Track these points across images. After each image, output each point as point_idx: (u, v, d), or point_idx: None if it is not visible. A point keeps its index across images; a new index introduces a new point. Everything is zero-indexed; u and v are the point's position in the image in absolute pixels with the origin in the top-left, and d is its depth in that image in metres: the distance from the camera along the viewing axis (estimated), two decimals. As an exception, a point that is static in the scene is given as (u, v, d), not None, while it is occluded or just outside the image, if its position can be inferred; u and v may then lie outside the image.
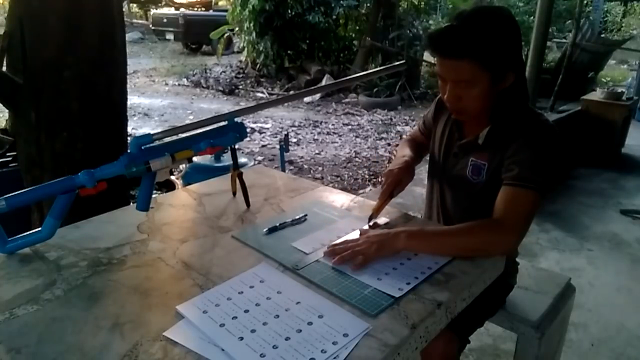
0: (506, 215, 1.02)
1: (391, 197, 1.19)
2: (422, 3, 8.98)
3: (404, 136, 1.49)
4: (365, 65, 7.73)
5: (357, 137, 5.34)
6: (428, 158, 1.39)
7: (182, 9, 12.45)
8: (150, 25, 12.84)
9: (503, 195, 1.05)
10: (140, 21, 16.50)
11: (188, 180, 2.74)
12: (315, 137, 5.28)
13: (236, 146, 1.24)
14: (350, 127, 5.76)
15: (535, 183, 1.03)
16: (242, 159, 3.03)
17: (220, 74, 8.57)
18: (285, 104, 6.54)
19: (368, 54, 7.91)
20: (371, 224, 1.12)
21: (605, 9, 10.92)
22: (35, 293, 0.87)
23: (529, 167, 1.04)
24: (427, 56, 8.36)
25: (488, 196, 1.14)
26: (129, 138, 1.97)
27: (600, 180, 3.93)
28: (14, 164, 2.24)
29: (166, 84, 8.16)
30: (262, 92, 7.58)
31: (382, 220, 1.15)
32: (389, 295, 0.85)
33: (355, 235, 1.06)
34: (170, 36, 11.85)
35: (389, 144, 5.09)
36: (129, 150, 1.03)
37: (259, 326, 0.77)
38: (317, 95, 7.14)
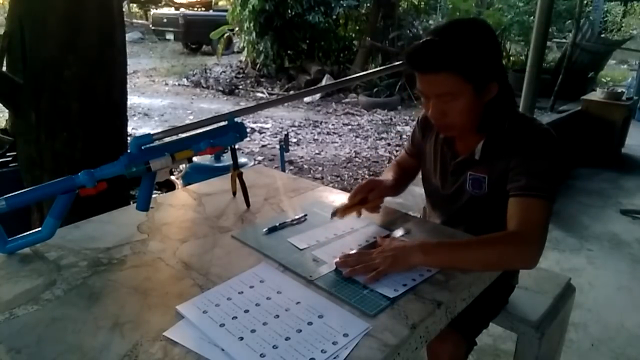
0: (524, 227, 0.99)
1: (364, 203, 1.13)
2: (422, 3, 8.98)
3: (392, 161, 1.42)
4: (365, 65, 7.73)
5: (357, 137, 5.34)
6: (420, 177, 1.36)
7: (182, 9, 12.45)
8: (150, 25, 12.83)
9: (515, 207, 1.03)
10: (140, 21, 16.49)
11: (188, 180, 2.74)
12: (315, 137, 5.27)
13: (236, 146, 1.24)
14: (350, 127, 5.76)
15: (544, 191, 1.01)
16: (242, 159, 3.02)
17: (220, 74, 8.57)
18: (285, 104, 6.53)
19: (368, 54, 7.90)
20: (332, 218, 1.09)
21: (605, 9, 10.91)
22: (35, 293, 0.87)
23: (536, 176, 1.02)
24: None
25: (491, 207, 1.13)
26: (129, 138, 1.97)
27: (600, 180, 3.93)
28: (14, 164, 2.24)
29: (166, 84, 8.16)
30: (262, 92, 7.58)
31: (398, 232, 1.10)
32: (384, 296, 0.85)
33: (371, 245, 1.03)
34: (170, 36, 11.85)
35: (389, 144, 5.09)
36: (129, 150, 1.03)
37: (259, 326, 0.77)
38: (317, 95, 7.13)
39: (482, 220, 1.18)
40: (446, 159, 1.23)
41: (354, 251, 1.00)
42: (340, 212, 1.09)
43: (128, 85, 2.24)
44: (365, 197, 1.13)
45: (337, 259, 0.96)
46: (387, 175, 1.30)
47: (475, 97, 1.04)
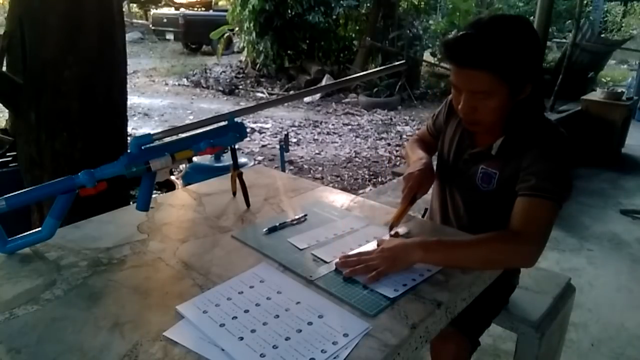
0: (525, 227, 0.99)
1: (413, 202, 1.12)
2: (422, 3, 8.98)
3: (413, 136, 1.43)
4: (365, 65, 7.73)
5: (357, 137, 5.34)
6: (436, 159, 1.35)
7: (182, 9, 12.44)
8: (150, 25, 12.84)
9: (520, 206, 1.02)
10: (140, 21, 16.49)
11: (188, 180, 2.74)
12: (315, 137, 5.28)
13: (236, 146, 1.24)
14: (350, 127, 5.76)
15: (552, 193, 1.00)
16: (242, 159, 3.03)
17: (220, 74, 8.57)
18: (285, 104, 6.54)
19: (368, 54, 7.91)
20: (392, 232, 1.06)
21: (605, 9, 10.92)
22: (35, 293, 0.87)
23: (546, 177, 1.01)
24: (427, 56, 8.38)
25: (497, 204, 1.13)
26: (129, 138, 1.97)
27: (600, 180, 3.93)
28: (14, 164, 2.24)
29: (166, 84, 8.16)
30: (262, 92, 7.58)
31: (402, 230, 1.10)
32: (384, 296, 0.85)
33: (372, 245, 1.02)
34: (170, 36, 11.85)
35: (389, 144, 5.09)
36: (129, 150, 1.03)
37: (259, 326, 0.77)
38: (317, 95, 7.14)
39: (485, 218, 1.18)
40: (463, 147, 1.22)
41: (354, 251, 1.00)
42: (396, 223, 1.08)
43: (128, 85, 2.24)
44: (415, 195, 1.12)
45: (337, 260, 0.96)
46: (418, 153, 1.27)
47: (509, 97, 1.02)
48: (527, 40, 1.00)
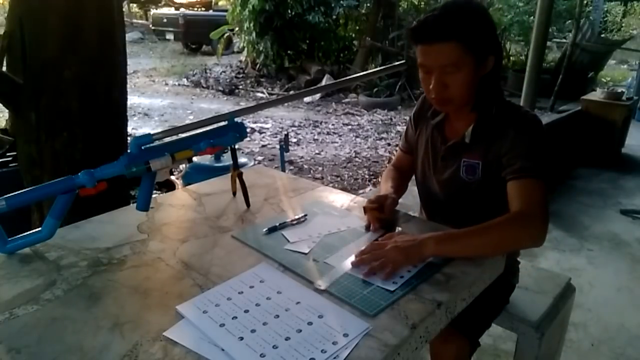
0: (527, 206, 1.02)
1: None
2: (422, 3, 8.98)
3: (387, 166, 1.46)
4: (365, 65, 7.73)
5: (357, 137, 5.34)
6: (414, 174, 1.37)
7: (182, 9, 12.44)
8: (150, 25, 12.84)
9: (514, 189, 1.06)
10: (140, 21, 16.48)
11: (188, 180, 2.75)
12: (315, 137, 5.27)
13: (236, 146, 1.24)
14: (350, 127, 5.76)
15: (538, 171, 1.05)
16: (242, 159, 3.03)
17: (220, 74, 8.57)
18: (285, 104, 6.54)
19: (368, 54, 7.91)
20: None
21: (605, 9, 10.91)
22: (35, 293, 0.87)
23: (529, 157, 1.06)
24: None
25: (484, 192, 1.16)
26: (129, 138, 1.97)
27: (600, 180, 3.93)
28: (14, 164, 2.24)
29: (166, 84, 8.16)
30: (262, 92, 7.58)
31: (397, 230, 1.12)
32: (384, 289, 0.86)
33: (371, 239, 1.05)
34: (170, 36, 11.85)
35: (389, 144, 5.09)
36: (129, 150, 1.03)
37: (259, 326, 0.77)
38: (317, 95, 7.14)
39: (475, 208, 1.19)
40: (437, 145, 1.25)
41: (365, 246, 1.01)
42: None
43: (128, 85, 2.24)
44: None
45: (354, 260, 0.96)
46: (387, 186, 1.30)
47: (475, 69, 1.08)
48: (482, 13, 1.09)
